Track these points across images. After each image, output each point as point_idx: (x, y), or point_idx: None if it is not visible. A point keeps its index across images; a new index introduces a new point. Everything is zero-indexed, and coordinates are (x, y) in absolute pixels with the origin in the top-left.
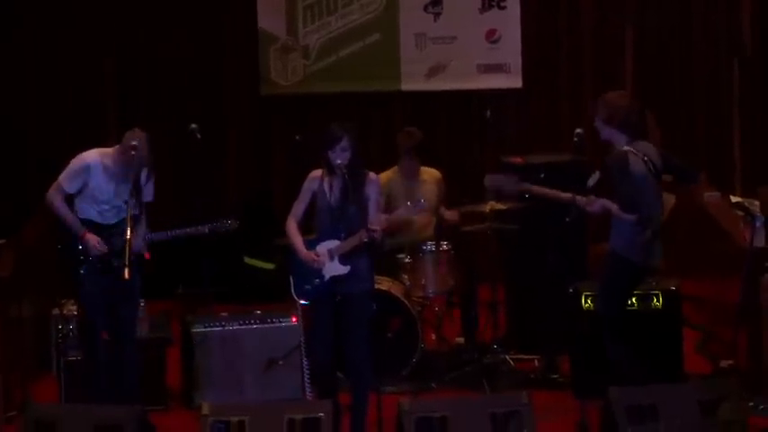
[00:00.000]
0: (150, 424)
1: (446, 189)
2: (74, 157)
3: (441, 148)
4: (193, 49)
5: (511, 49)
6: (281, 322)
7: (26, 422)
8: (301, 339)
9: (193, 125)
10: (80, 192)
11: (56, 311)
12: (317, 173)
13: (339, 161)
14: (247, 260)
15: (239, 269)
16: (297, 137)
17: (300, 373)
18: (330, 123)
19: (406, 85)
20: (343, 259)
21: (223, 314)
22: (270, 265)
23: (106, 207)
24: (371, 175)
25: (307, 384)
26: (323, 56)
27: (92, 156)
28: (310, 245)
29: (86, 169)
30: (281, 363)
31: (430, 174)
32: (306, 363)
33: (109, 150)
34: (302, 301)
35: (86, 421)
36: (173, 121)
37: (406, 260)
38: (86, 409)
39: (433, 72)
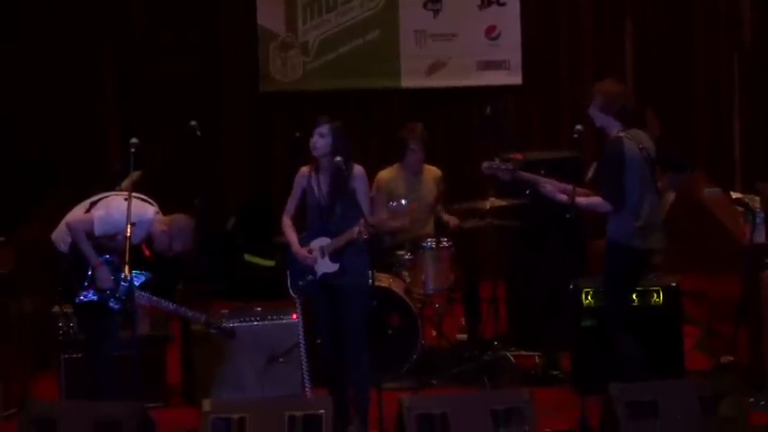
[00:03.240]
0: (151, 420)
1: (445, 188)
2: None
3: (440, 144)
4: (193, 46)
5: (510, 45)
6: (281, 319)
7: (26, 419)
8: (300, 336)
9: (193, 122)
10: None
11: (56, 309)
12: (306, 169)
13: (316, 147)
14: (247, 257)
15: (239, 266)
16: (296, 134)
17: (300, 370)
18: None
19: (406, 82)
20: (334, 257)
21: (223, 311)
22: (270, 262)
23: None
24: (357, 168)
25: (306, 380)
26: (322, 53)
27: (144, 222)
28: (304, 241)
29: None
30: (281, 360)
31: (431, 171)
32: (305, 358)
33: (160, 223)
34: (296, 297)
35: (86, 418)
36: (172, 118)
37: (407, 257)
38: (86, 406)
39: (433, 69)
